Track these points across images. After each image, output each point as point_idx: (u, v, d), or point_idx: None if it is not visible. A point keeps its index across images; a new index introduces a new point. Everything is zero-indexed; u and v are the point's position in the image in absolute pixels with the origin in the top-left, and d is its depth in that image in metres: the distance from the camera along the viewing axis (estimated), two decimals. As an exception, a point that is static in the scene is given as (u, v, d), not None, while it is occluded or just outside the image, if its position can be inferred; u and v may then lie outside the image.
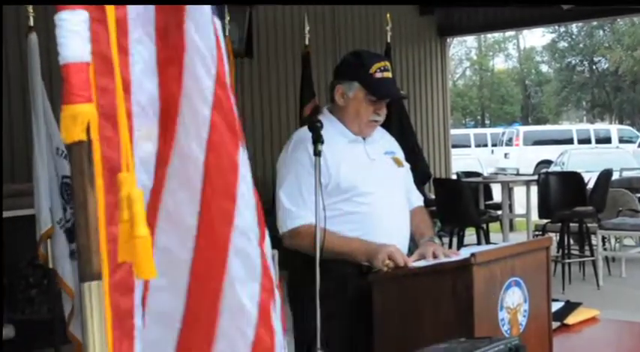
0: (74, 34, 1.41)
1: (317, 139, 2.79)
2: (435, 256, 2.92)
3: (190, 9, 1.56)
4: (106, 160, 1.47)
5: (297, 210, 2.96)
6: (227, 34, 5.83)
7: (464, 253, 2.87)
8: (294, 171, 2.99)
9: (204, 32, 1.58)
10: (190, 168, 1.59)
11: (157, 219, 1.59)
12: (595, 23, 36.31)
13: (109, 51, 1.47)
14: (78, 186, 1.42)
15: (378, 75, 3.02)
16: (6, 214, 4.92)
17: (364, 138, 3.12)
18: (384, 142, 3.25)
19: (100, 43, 1.45)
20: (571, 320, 3.22)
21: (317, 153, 2.79)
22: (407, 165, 3.29)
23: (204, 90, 1.59)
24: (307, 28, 6.39)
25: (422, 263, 2.90)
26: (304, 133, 2.94)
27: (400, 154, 3.27)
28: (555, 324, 3.06)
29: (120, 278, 1.46)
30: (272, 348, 1.67)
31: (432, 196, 9.19)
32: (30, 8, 4.59)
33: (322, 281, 2.72)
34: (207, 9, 1.58)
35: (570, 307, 3.33)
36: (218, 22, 1.64)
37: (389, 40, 6.36)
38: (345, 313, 2.96)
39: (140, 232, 1.39)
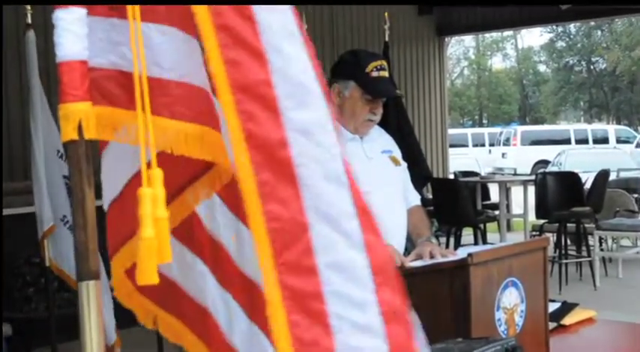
0: (68, 32, 1.41)
1: (314, 138, 2.79)
2: (432, 256, 2.92)
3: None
4: (249, 135, 1.39)
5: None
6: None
7: (461, 253, 2.87)
8: (291, 171, 2.98)
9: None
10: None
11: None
12: (593, 23, 36.34)
13: (233, 21, 1.41)
14: (76, 184, 1.42)
15: (375, 74, 3.02)
16: (4, 212, 4.92)
17: (361, 137, 3.12)
18: (382, 141, 3.25)
19: (221, 16, 1.40)
20: (568, 320, 3.23)
21: (314, 153, 2.79)
22: (404, 164, 3.29)
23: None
24: (305, 27, 6.39)
25: (419, 263, 2.90)
26: (302, 133, 2.94)
27: (397, 153, 3.27)
28: (552, 325, 3.06)
29: (292, 257, 1.39)
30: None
31: (430, 196, 9.20)
32: (28, 6, 4.59)
33: (319, 281, 2.72)
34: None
35: (567, 308, 3.33)
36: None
37: (387, 39, 6.36)
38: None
39: (146, 234, 1.36)
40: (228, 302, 1.67)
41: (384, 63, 3.08)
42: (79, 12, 1.43)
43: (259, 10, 1.44)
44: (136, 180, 1.51)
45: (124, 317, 2.30)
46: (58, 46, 1.41)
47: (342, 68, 3.12)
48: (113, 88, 1.46)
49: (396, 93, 3.32)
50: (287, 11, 1.48)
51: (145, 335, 5.86)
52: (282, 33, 1.44)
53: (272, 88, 1.40)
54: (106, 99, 1.45)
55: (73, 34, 1.41)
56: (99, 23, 1.46)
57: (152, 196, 1.36)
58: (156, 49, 1.44)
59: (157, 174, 1.36)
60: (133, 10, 1.41)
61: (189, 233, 1.71)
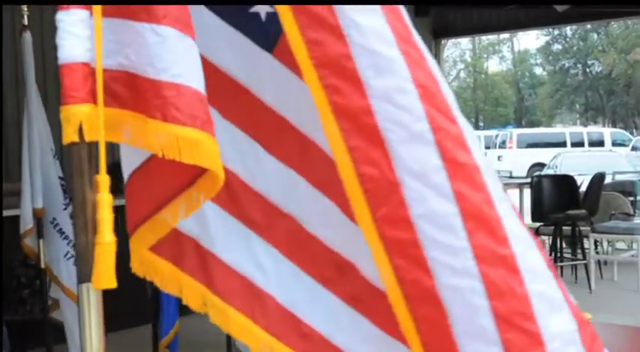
0: (69, 34, 1.40)
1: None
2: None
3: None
4: (335, 106, 1.52)
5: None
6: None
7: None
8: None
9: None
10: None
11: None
12: (589, 26, 36.43)
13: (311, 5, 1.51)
14: (77, 187, 1.42)
15: None
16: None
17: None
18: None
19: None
20: (564, 323, 3.23)
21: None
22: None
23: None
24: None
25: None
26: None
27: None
28: (548, 327, 3.06)
29: (387, 212, 1.51)
30: None
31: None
32: (24, 7, 4.57)
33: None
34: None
35: (563, 310, 3.33)
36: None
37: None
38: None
39: (104, 239, 1.39)
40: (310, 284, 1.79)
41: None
42: (80, 14, 1.41)
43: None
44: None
45: (115, 320, 2.28)
46: (59, 49, 1.40)
47: None
48: (121, 89, 1.46)
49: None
50: None
51: (136, 338, 5.84)
52: (356, 9, 1.52)
53: (352, 61, 1.51)
54: (115, 101, 1.45)
55: (74, 36, 1.41)
56: (107, 24, 1.45)
57: (109, 202, 1.41)
58: (151, 49, 1.43)
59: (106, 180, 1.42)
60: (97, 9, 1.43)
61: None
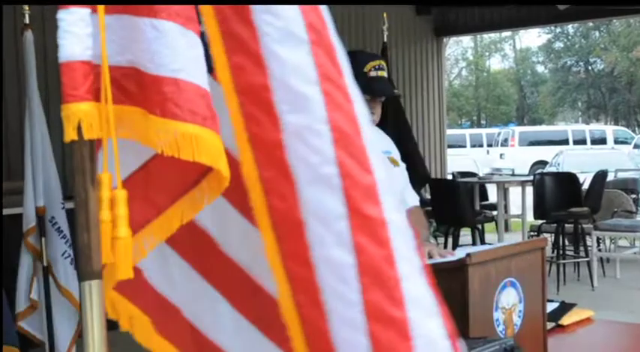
0: (69, 33, 1.40)
1: (313, 139, 2.78)
2: (430, 256, 2.92)
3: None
4: (252, 135, 1.49)
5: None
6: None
7: (459, 253, 2.87)
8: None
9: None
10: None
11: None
12: (591, 24, 36.37)
13: (236, 27, 1.48)
14: (79, 185, 1.42)
15: (373, 73, 3.02)
16: (3, 212, 4.93)
17: (360, 138, 3.11)
18: (380, 141, 3.25)
19: (226, 22, 1.48)
20: (566, 320, 3.23)
21: (313, 153, 2.78)
22: (403, 165, 3.28)
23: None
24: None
25: (417, 263, 2.89)
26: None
27: (396, 154, 3.27)
28: (550, 325, 3.07)
29: (292, 248, 1.49)
30: None
31: (428, 196, 9.20)
32: (26, 6, 4.58)
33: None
34: None
35: (565, 308, 3.34)
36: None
37: (385, 40, 6.37)
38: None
39: (121, 233, 1.40)
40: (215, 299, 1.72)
41: (383, 63, 3.08)
42: (80, 12, 1.42)
43: (259, 13, 1.46)
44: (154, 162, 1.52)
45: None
46: (59, 47, 1.41)
47: None
48: (132, 86, 1.46)
49: (394, 93, 3.32)
50: (291, 11, 1.49)
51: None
52: (281, 37, 1.47)
53: (270, 92, 1.46)
54: (128, 98, 1.45)
55: (74, 35, 1.41)
56: (115, 21, 1.44)
57: (124, 199, 1.41)
58: (151, 44, 1.43)
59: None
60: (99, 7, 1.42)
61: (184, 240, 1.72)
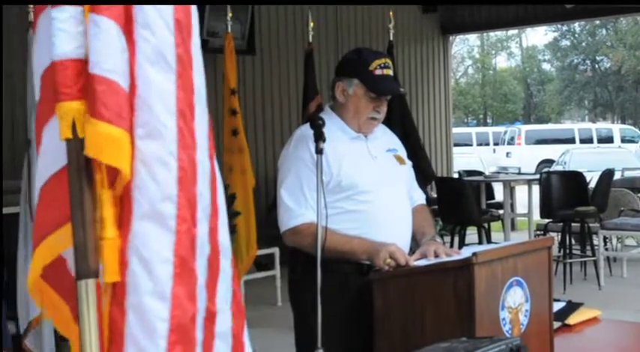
0: (61, 31, 1.40)
1: (318, 137, 2.77)
2: (436, 255, 2.91)
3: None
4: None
5: (298, 209, 2.94)
6: (229, 30, 5.81)
7: (465, 252, 2.85)
8: (295, 169, 2.97)
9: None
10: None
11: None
12: (598, 22, 36.27)
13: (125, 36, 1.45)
14: (74, 183, 1.41)
15: (378, 72, 3.00)
16: (4, 210, 4.93)
17: (366, 136, 3.10)
18: (386, 140, 3.23)
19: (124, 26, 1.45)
20: (572, 320, 3.21)
21: (318, 151, 2.76)
22: (409, 163, 3.27)
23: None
24: (311, 25, 6.35)
25: (423, 262, 2.88)
26: (306, 131, 2.93)
27: (402, 152, 3.25)
28: (556, 324, 3.05)
29: (114, 290, 1.45)
30: None
31: (434, 195, 9.18)
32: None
33: (323, 281, 2.71)
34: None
35: (572, 307, 3.31)
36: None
37: (391, 38, 6.35)
38: (346, 312, 2.95)
39: (108, 234, 1.39)
40: None
41: (388, 61, 3.06)
42: (71, 10, 1.41)
43: (140, 28, 1.43)
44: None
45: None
46: (52, 46, 1.40)
47: (345, 66, 3.10)
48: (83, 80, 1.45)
49: (399, 92, 3.30)
50: (166, 32, 1.45)
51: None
52: (154, 57, 1.43)
53: (134, 113, 1.43)
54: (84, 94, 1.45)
55: (65, 33, 1.40)
56: (79, 14, 1.43)
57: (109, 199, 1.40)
58: (91, 41, 1.41)
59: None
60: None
61: None
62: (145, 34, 1.43)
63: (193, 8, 1.51)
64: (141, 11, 1.43)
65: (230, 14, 5.80)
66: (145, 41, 1.43)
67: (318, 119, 2.82)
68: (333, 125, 3.00)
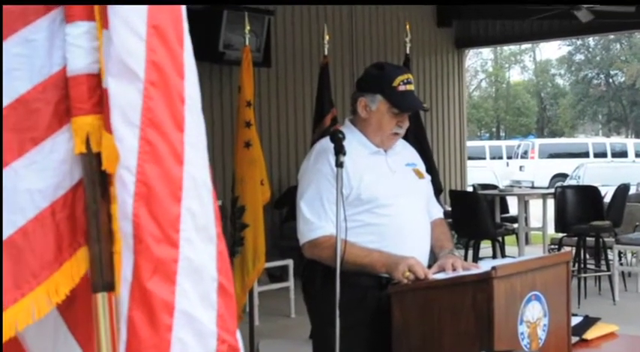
0: (74, 47, 1.41)
1: (339, 150, 2.79)
2: (454, 269, 2.92)
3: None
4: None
5: (317, 221, 2.96)
6: (247, 43, 5.84)
7: (484, 266, 2.86)
8: (315, 182, 2.99)
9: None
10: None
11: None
12: (612, 37, 36.20)
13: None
14: (89, 197, 1.42)
15: (402, 88, 3.02)
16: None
17: (386, 150, 3.12)
18: (406, 154, 3.25)
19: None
20: (590, 335, 3.21)
21: (339, 164, 2.79)
22: (428, 177, 3.28)
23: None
24: (327, 38, 6.38)
25: (441, 275, 2.90)
26: (326, 144, 2.95)
27: (421, 166, 3.27)
28: (574, 339, 3.05)
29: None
30: None
31: (448, 208, 9.17)
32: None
33: (342, 293, 2.73)
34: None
35: (589, 322, 3.31)
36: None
37: (408, 52, 6.36)
38: (365, 325, 2.96)
39: (119, 248, 1.40)
40: None
41: (410, 76, 3.08)
42: (84, 26, 1.42)
43: (105, 41, 1.41)
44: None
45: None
46: (67, 61, 1.42)
47: (368, 82, 3.11)
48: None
49: (423, 108, 3.33)
50: (135, 44, 1.38)
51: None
52: (116, 70, 1.38)
53: (110, 124, 1.40)
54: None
55: (79, 48, 1.41)
56: (91, 29, 1.45)
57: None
58: (105, 57, 1.42)
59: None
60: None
61: None
62: (106, 41, 1.40)
63: (183, 15, 1.43)
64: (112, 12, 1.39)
65: (248, 27, 5.83)
66: (108, 55, 1.39)
67: (338, 132, 2.84)
68: (354, 139, 3.02)
